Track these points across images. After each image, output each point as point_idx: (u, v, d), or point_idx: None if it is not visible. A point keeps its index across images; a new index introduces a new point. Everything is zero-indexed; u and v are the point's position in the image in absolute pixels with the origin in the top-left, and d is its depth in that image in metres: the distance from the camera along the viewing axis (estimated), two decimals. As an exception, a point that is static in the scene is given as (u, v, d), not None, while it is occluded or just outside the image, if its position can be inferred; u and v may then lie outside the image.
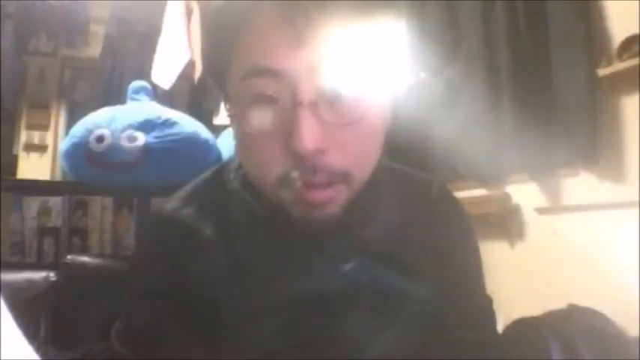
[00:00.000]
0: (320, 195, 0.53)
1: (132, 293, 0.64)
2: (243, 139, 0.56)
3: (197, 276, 0.59)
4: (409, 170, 0.71)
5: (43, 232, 1.78)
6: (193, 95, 3.53)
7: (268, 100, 0.52)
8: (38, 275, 1.32)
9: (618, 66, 1.55)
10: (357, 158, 0.54)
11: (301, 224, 0.54)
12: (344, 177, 0.53)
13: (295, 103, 0.50)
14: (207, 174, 0.67)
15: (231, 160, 0.67)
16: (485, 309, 0.67)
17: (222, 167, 0.67)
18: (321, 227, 0.55)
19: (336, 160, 0.52)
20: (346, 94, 0.52)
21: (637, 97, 1.54)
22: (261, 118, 0.52)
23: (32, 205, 1.78)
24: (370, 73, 0.53)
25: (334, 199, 0.54)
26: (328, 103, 0.51)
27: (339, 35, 0.50)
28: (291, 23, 0.50)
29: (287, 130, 0.51)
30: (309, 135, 0.49)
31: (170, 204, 0.64)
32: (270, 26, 0.52)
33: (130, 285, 0.65)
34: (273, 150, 0.52)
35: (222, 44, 0.56)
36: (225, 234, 0.60)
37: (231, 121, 0.58)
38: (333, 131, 0.51)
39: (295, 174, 0.52)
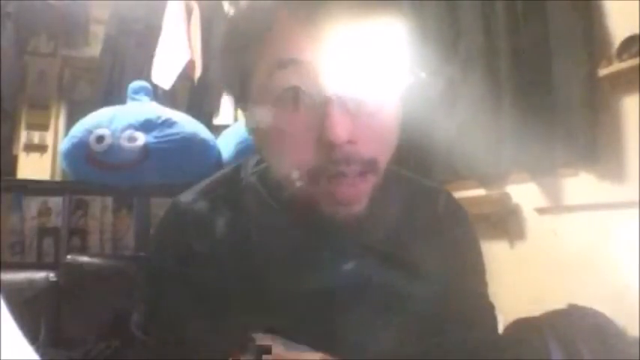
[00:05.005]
0: (351, 189, 0.54)
1: (149, 278, 0.66)
2: (269, 135, 0.57)
3: (209, 265, 0.60)
4: (416, 177, 0.72)
5: (43, 232, 1.78)
6: (193, 95, 3.53)
7: (294, 92, 0.53)
8: (38, 275, 1.32)
9: (618, 66, 1.55)
10: (382, 147, 0.56)
11: (326, 221, 0.55)
12: (372, 166, 0.55)
13: (323, 96, 0.52)
14: (227, 169, 0.69)
15: (251, 156, 0.68)
16: (486, 310, 0.68)
17: (240, 164, 0.69)
18: (345, 223, 0.55)
19: (365, 149, 0.54)
20: (369, 87, 0.53)
21: (637, 97, 1.54)
22: (289, 113, 0.53)
23: (32, 205, 1.78)
24: (388, 65, 0.54)
25: (365, 191, 0.55)
26: (353, 95, 0.53)
27: (359, 30, 0.52)
28: (313, 20, 0.52)
29: (316, 123, 0.52)
30: (341, 126, 0.51)
31: (186, 196, 0.66)
32: (292, 23, 0.54)
33: (146, 271, 0.67)
34: (303, 144, 0.53)
35: (245, 45, 0.57)
36: (237, 227, 0.62)
37: (251, 119, 0.60)
38: (360, 122, 0.53)
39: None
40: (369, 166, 0.54)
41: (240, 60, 0.58)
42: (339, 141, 0.51)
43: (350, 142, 0.52)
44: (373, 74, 0.53)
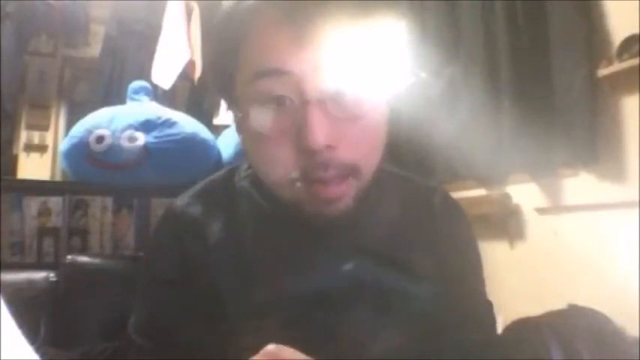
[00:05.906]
0: (333, 190, 0.54)
1: (144, 283, 0.66)
2: (253, 140, 0.57)
3: (203, 269, 0.60)
4: (413, 177, 0.72)
5: (43, 232, 1.78)
6: (193, 95, 3.52)
7: (277, 100, 0.53)
8: (38, 275, 1.31)
9: (618, 66, 1.55)
10: (365, 152, 0.56)
11: (314, 220, 0.56)
12: (354, 170, 0.55)
13: (303, 102, 0.52)
14: (220, 173, 0.70)
15: (243, 160, 0.68)
16: (484, 310, 0.68)
17: (235, 167, 0.69)
18: (333, 223, 0.56)
19: (345, 154, 0.54)
20: (351, 90, 0.53)
21: (637, 97, 1.54)
22: (271, 119, 0.53)
23: (32, 205, 1.78)
24: (373, 69, 0.54)
25: (346, 193, 0.55)
26: (335, 99, 0.53)
27: (341, 33, 0.52)
28: (293, 24, 0.52)
29: (297, 128, 0.52)
30: (319, 132, 0.51)
31: (181, 200, 0.66)
32: (273, 28, 0.53)
33: (142, 276, 0.67)
34: (285, 149, 0.53)
35: (228, 51, 0.57)
36: (231, 230, 0.62)
37: (238, 123, 0.60)
38: (342, 126, 0.53)
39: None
40: (349, 170, 0.54)
41: (225, 64, 0.58)
42: (317, 147, 0.51)
43: (329, 147, 0.52)
44: (358, 78, 0.53)
